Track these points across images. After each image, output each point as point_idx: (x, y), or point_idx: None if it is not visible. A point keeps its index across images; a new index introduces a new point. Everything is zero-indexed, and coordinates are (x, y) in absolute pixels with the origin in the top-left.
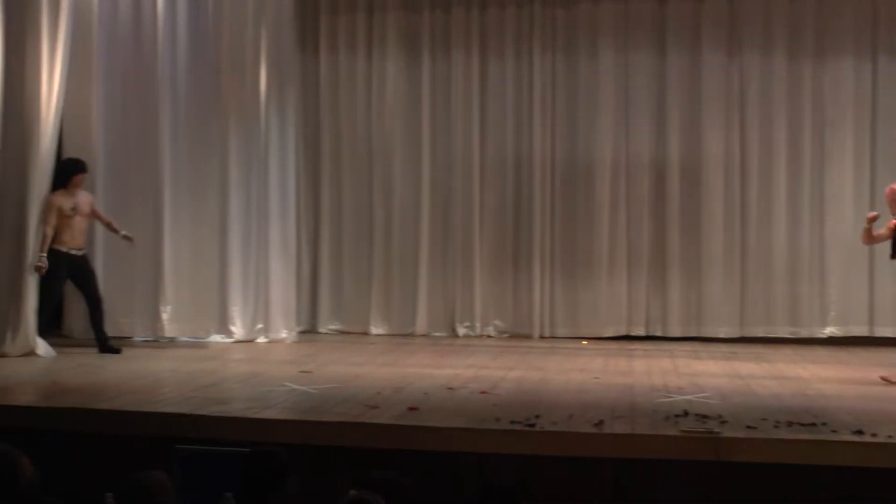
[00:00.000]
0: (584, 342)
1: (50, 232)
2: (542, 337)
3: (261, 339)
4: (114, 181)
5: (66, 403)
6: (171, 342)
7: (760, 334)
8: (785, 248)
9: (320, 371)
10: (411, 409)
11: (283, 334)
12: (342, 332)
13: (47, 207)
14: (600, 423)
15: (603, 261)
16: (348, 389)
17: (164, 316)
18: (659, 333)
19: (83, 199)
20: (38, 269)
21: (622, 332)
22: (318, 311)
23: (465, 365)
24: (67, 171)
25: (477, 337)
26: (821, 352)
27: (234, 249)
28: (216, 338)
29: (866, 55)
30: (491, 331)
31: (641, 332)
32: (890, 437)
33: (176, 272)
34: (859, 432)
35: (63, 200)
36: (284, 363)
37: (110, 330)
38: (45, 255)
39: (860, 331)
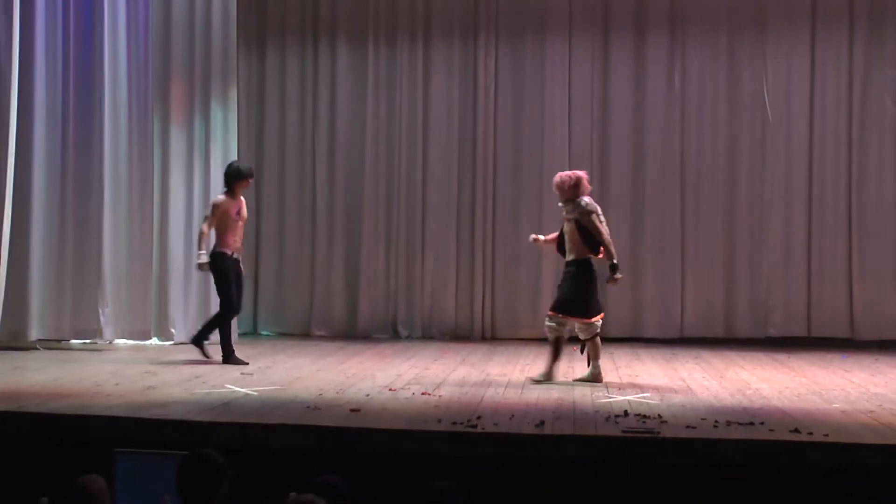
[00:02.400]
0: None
1: (206, 231)
2: (483, 338)
3: None
4: (51, 180)
5: (2, 407)
6: (110, 345)
7: (700, 335)
8: (720, 250)
9: (261, 374)
10: (353, 410)
11: None
12: (283, 335)
13: (212, 209)
14: (541, 423)
15: (544, 262)
16: (290, 391)
17: (103, 319)
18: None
19: (244, 203)
20: (201, 266)
21: None
22: (260, 312)
23: (406, 366)
24: (236, 176)
25: (419, 338)
26: (759, 352)
27: (174, 250)
28: (156, 340)
29: (805, 56)
30: (433, 331)
31: None
32: (826, 435)
33: (115, 274)
34: (796, 431)
35: (230, 204)
36: (225, 366)
37: (45, 333)
38: (204, 251)
39: (799, 331)
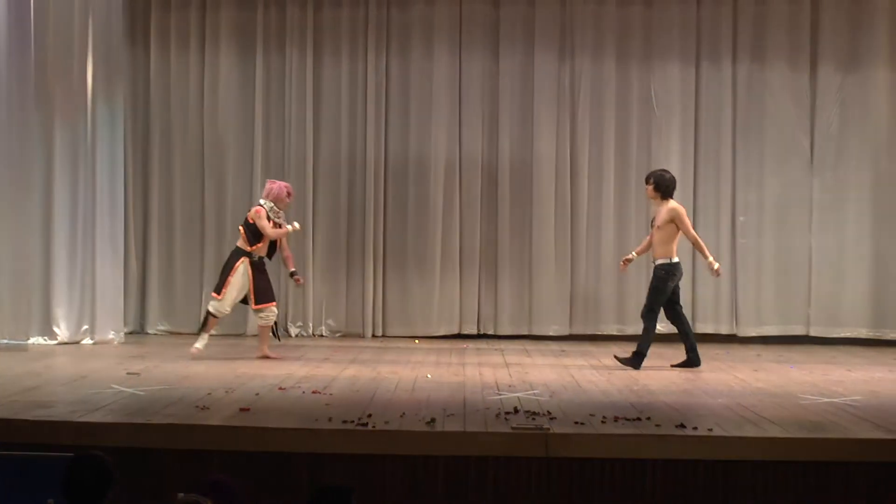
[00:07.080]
0: (416, 341)
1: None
2: (374, 336)
3: (86, 341)
4: None
5: None
6: None
7: (589, 332)
8: (612, 248)
9: (149, 373)
10: (243, 409)
11: (111, 335)
12: (172, 333)
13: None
14: (432, 421)
15: (435, 260)
16: (178, 391)
17: None
18: (490, 332)
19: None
20: (716, 271)
21: (454, 330)
22: (148, 311)
23: (297, 365)
24: (674, 185)
25: (310, 336)
26: None
27: (58, 249)
28: (38, 340)
29: (690, 60)
30: (323, 330)
31: (473, 330)
32: (710, 430)
33: None
34: (682, 426)
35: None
36: (111, 365)
37: None
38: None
39: None
